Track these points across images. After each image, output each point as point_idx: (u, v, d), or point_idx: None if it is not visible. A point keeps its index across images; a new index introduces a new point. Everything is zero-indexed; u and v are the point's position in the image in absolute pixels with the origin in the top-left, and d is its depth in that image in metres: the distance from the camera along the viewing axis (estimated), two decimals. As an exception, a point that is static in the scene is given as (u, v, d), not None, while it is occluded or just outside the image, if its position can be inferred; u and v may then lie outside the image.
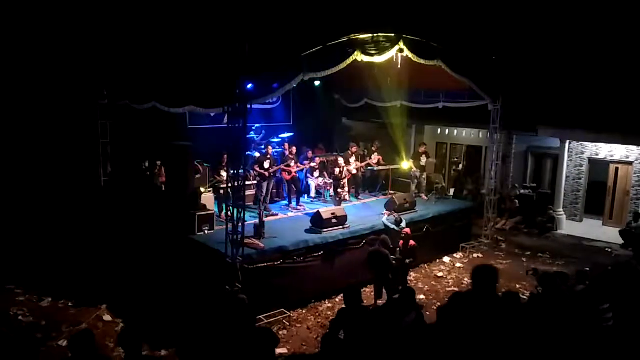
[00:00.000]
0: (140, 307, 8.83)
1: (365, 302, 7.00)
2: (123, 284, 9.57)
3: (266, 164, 11.47)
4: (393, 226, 9.95)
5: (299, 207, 12.01)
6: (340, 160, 12.43)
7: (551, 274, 6.58)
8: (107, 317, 8.60)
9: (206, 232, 9.45)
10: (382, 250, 8.91)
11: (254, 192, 11.63)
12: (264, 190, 11.48)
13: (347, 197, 12.49)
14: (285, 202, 12.37)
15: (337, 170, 12.30)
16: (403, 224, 9.95)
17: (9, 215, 11.45)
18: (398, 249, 9.28)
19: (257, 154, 12.18)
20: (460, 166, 18.07)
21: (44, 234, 11.26)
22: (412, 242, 9.28)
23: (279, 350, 7.29)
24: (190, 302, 8.52)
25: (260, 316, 8.31)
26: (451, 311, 4.19)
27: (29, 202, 11.90)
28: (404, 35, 10.51)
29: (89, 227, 11.49)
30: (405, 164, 13.66)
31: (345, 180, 12.37)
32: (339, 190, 12.17)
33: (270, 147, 12.02)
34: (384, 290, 9.02)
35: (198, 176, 11.17)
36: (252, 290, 8.10)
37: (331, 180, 12.70)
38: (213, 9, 13.27)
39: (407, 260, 9.22)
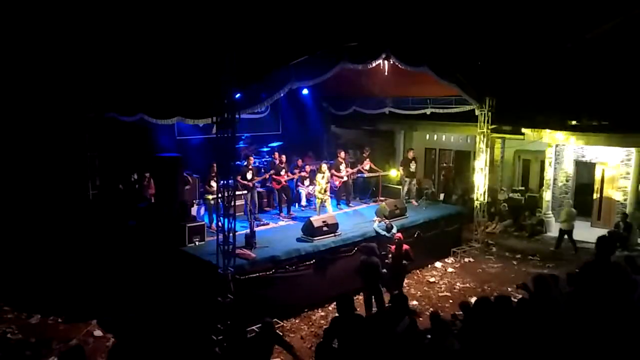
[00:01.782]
0: (131, 321, 8.74)
1: (358, 309, 6.98)
2: (114, 298, 9.46)
3: (248, 175, 11.44)
4: (384, 232, 9.96)
5: (289, 216, 11.98)
6: (324, 167, 12.12)
7: (544, 276, 6.59)
8: (98, 333, 8.49)
9: (197, 243, 9.40)
10: (370, 260, 8.86)
11: (244, 202, 11.59)
12: (249, 201, 11.46)
13: (328, 203, 11.87)
14: (276, 211, 12.34)
15: (319, 175, 12.00)
16: (394, 230, 9.96)
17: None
18: (390, 255, 9.28)
19: (245, 163, 12.17)
20: (444, 172, 18.16)
21: (32, 250, 11.11)
22: (405, 246, 9.29)
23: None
24: (182, 314, 8.46)
25: (253, 327, 8.25)
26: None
27: (16, 217, 11.74)
28: (390, 43, 10.60)
29: (78, 242, 11.36)
30: (394, 172, 13.72)
31: (327, 186, 11.88)
32: (318, 194, 11.70)
33: (251, 158, 11.99)
34: (374, 301, 8.94)
35: (188, 187, 11.12)
36: (244, 300, 8.06)
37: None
38: (200, 19, 13.27)
39: (405, 262, 9.21)
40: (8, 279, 10.21)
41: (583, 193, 15.41)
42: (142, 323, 8.60)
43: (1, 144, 11.93)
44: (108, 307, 9.15)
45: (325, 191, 11.74)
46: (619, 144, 13.75)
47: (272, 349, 6.39)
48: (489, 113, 12.71)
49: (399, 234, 9.59)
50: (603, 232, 13.65)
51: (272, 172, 12.20)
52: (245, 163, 11.73)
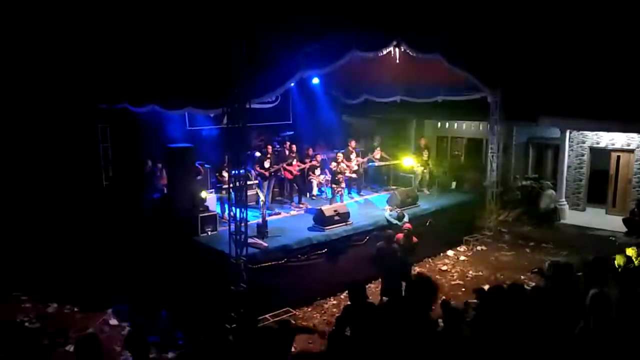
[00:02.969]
0: (146, 310, 8.85)
1: (370, 298, 6.98)
2: (128, 287, 9.58)
3: (266, 164, 11.47)
4: (396, 221, 9.92)
5: (301, 205, 12.00)
6: (339, 156, 12.26)
7: (561, 263, 6.52)
8: (113, 321, 8.62)
9: (209, 233, 9.46)
10: (389, 247, 8.81)
11: (256, 192, 11.63)
12: (265, 190, 11.50)
13: (342, 193, 12.02)
14: (288, 200, 12.36)
15: (333, 164, 12.07)
16: (405, 219, 9.91)
17: (12, 221, 11.46)
18: (398, 245, 9.16)
19: (257, 154, 12.19)
20: (455, 160, 18.03)
21: (48, 240, 11.26)
22: (414, 239, 9.21)
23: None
24: (195, 303, 8.54)
25: (266, 315, 8.32)
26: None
27: (32, 208, 11.90)
28: (402, 29, 10.48)
29: (93, 232, 11.49)
30: (409, 161, 13.64)
31: (341, 176, 11.98)
32: (334, 185, 11.88)
33: (270, 147, 12.01)
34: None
35: (199, 177, 11.17)
36: (256, 289, 8.11)
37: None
38: (210, 8, 13.24)
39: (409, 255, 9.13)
40: (25, 268, 10.38)
41: (598, 180, 15.22)
42: (157, 311, 8.70)
43: (16, 137, 12.07)
44: (123, 297, 9.27)
45: (340, 182, 11.78)
46: (635, 130, 13.54)
47: (292, 342, 6.38)
48: (502, 100, 12.55)
49: (409, 224, 9.47)
50: (618, 219, 13.55)
51: (289, 160, 12.19)
52: (265, 151, 11.77)
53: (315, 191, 13.10)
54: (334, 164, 11.91)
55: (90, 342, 4.16)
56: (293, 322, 7.40)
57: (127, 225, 11.01)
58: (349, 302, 5.94)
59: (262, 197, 11.06)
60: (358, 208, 11.59)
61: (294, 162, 12.26)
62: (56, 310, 9.10)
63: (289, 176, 12.17)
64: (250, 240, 8.44)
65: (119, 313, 8.85)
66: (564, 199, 14.90)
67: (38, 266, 10.49)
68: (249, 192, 9.87)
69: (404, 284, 8.42)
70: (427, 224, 11.38)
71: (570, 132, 14.71)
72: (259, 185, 11.56)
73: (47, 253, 10.93)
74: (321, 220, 9.90)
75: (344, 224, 10.06)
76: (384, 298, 8.88)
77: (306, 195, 12.79)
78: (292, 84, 9.82)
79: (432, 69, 11.94)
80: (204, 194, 10.02)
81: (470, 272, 10.97)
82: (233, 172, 8.37)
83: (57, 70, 12.16)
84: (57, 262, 10.67)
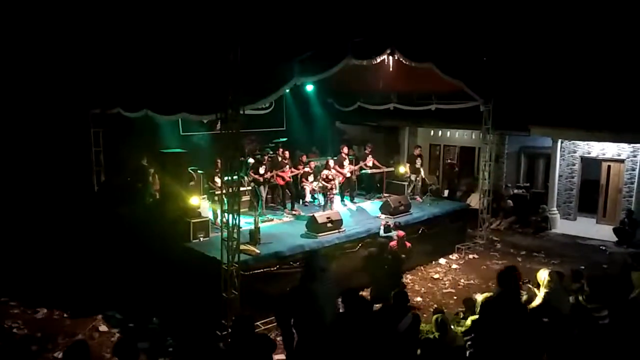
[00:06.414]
0: (136, 316, 8.78)
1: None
2: (119, 293, 9.50)
3: (261, 170, 11.47)
4: (389, 234, 9.83)
5: (294, 212, 11.98)
6: (330, 163, 12.25)
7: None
8: (103, 328, 8.53)
9: (201, 239, 9.41)
10: (378, 254, 8.85)
11: (249, 198, 11.60)
12: (259, 196, 11.48)
13: (334, 200, 12.00)
14: (280, 207, 12.34)
15: (325, 172, 12.07)
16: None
17: (2, 225, 11.35)
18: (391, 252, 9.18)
19: (251, 160, 12.19)
20: (447, 168, 18.13)
21: (37, 245, 11.17)
22: (407, 244, 9.23)
23: (276, 357, 7.25)
24: (186, 309, 8.49)
25: (257, 322, 8.27)
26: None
27: (22, 212, 11.81)
28: (395, 38, 10.55)
29: (83, 237, 11.41)
30: (402, 169, 13.75)
31: (334, 183, 11.95)
32: (327, 193, 11.85)
33: (265, 153, 12.05)
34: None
35: (192, 183, 11.13)
36: (248, 296, 8.08)
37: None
38: (204, 15, 13.27)
39: (403, 255, 9.13)
40: (14, 273, 10.27)
41: (589, 189, 15.35)
42: (148, 319, 8.64)
43: (8, 140, 11.99)
44: (113, 303, 9.19)
45: (331, 188, 11.78)
46: (625, 140, 13.68)
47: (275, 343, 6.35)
48: (494, 109, 12.64)
49: (401, 232, 9.48)
50: (608, 228, 13.66)
51: (282, 167, 12.19)
52: (260, 157, 11.79)
53: (308, 198, 13.08)
54: (325, 171, 11.91)
55: (80, 349, 4.12)
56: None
57: (118, 230, 10.95)
58: (340, 310, 5.92)
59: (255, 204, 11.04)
60: (350, 215, 11.58)
61: (287, 169, 12.25)
62: (45, 316, 9.00)
63: (281, 182, 12.16)
64: (242, 247, 8.41)
65: (109, 319, 8.77)
66: (555, 208, 15.00)
67: (27, 271, 10.40)
68: (242, 198, 9.85)
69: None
70: (420, 232, 11.39)
71: (561, 142, 14.84)
72: (253, 191, 11.54)
73: (36, 258, 10.84)
74: (314, 227, 9.89)
75: (336, 231, 10.05)
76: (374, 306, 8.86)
77: (299, 202, 12.77)
78: (286, 91, 9.83)
79: (425, 77, 12.01)
80: (195, 200, 9.94)
81: (462, 280, 10.99)
82: (226, 178, 8.35)
83: (50, 74, 12.13)
84: (46, 267, 10.58)
